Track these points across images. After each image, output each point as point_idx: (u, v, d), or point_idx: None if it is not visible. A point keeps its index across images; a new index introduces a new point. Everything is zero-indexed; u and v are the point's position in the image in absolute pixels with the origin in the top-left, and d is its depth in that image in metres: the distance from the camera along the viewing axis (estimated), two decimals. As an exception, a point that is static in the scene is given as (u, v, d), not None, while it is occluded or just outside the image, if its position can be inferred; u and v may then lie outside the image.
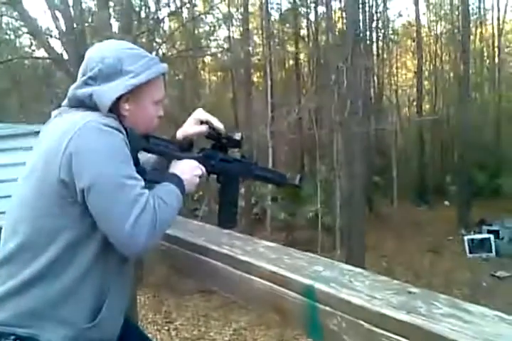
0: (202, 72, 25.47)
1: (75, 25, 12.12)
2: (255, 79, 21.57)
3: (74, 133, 1.19)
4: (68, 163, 1.17)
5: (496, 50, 24.20)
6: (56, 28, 12.66)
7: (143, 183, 1.23)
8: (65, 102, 1.36)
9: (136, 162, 1.30)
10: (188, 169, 1.41)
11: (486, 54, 25.18)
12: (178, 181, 1.35)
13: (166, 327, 8.19)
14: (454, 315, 0.86)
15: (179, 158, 1.45)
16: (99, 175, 1.17)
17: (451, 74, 22.86)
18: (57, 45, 14.40)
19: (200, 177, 1.44)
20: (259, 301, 1.19)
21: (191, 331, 8.14)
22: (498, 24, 24.14)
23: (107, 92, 1.28)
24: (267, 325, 8.19)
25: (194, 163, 1.44)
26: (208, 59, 23.82)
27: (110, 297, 1.29)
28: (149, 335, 7.37)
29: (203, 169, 1.45)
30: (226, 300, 8.28)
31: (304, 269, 1.13)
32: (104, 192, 1.17)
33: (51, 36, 13.75)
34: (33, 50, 15.72)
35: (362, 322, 0.93)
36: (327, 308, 0.99)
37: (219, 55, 21.19)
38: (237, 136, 1.55)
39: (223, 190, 1.58)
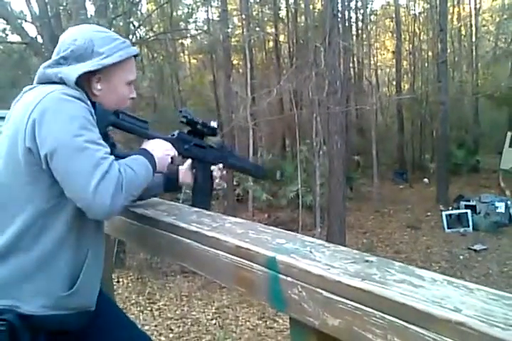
0: (181, 54, 25.15)
1: (49, 9, 11.86)
2: (235, 61, 21.34)
3: (38, 102, 1.21)
4: (32, 131, 1.19)
5: (473, 28, 24.25)
6: (30, 11, 12.41)
7: (108, 150, 1.24)
8: (35, 81, 1.37)
9: (105, 137, 1.31)
10: (160, 147, 1.42)
11: (463, 33, 25.23)
12: (148, 155, 1.35)
13: (149, 308, 8.20)
14: (405, 280, 0.89)
15: (151, 137, 1.45)
16: (59, 140, 1.18)
17: (430, 54, 22.87)
18: (31, 30, 14.12)
19: (172, 157, 1.45)
20: (225, 275, 1.21)
21: (174, 311, 8.17)
22: (475, 3, 24.17)
23: (74, 69, 1.30)
24: (248, 303, 8.27)
25: (166, 143, 1.45)
26: (187, 41, 23.51)
27: (87, 264, 1.31)
28: (132, 316, 7.41)
29: (175, 151, 1.46)
30: (209, 280, 8.36)
31: (267, 242, 1.15)
32: (65, 157, 1.17)
33: (25, 20, 13.46)
34: (7, 35, 15.34)
35: (320, 291, 0.95)
36: (288, 278, 1.01)
37: (198, 38, 20.91)
38: (214, 124, 1.58)
39: (196, 175, 1.61)
